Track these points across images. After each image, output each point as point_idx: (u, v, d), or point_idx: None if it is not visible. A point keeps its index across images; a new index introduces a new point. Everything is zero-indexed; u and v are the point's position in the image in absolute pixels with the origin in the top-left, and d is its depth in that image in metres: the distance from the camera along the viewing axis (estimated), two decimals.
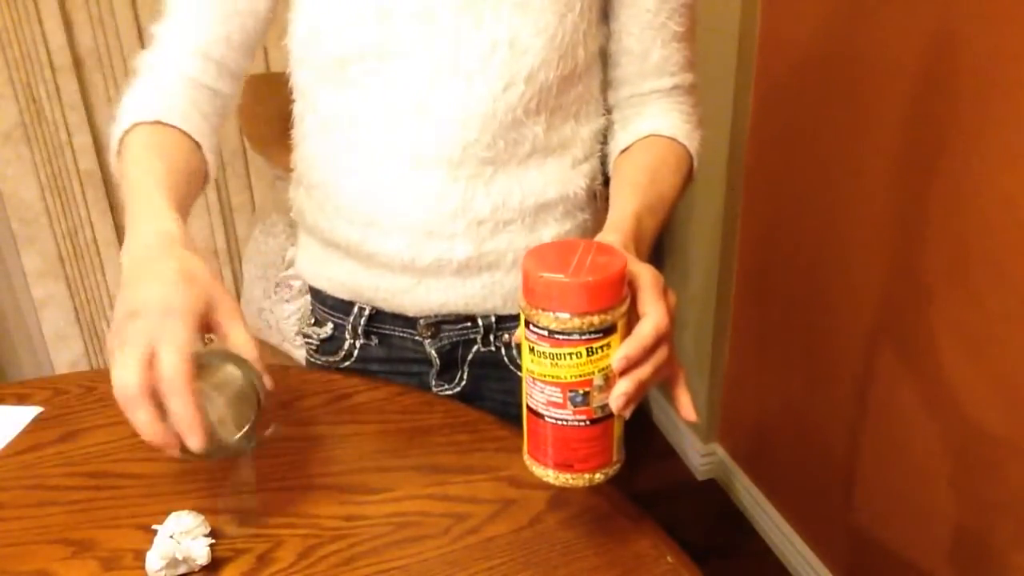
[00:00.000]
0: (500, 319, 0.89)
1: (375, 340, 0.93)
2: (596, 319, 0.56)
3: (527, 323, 0.58)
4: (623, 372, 0.58)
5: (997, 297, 1.20)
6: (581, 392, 0.58)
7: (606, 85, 0.86)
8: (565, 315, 0.55)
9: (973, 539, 1.31)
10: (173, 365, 0.57)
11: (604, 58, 0.84)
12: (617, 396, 0.58)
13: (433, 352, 0.92)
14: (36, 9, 1.87)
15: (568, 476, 0.60)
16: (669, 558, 0.66)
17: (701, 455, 2.12)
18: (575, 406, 0.58)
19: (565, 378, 0.57)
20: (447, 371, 0.94)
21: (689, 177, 0.84)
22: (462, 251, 0.83)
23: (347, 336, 0.94)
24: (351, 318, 0.93)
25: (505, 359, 0.92)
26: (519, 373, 0.92)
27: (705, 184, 1.92)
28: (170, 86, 0.81)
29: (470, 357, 0.92)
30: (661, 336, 0.58)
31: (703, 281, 1.98)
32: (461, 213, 0.81)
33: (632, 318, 0.59)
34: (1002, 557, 1.27)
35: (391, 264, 0.85)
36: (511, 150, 0.80)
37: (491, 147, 0.79)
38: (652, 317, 0.58)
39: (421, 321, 0.90)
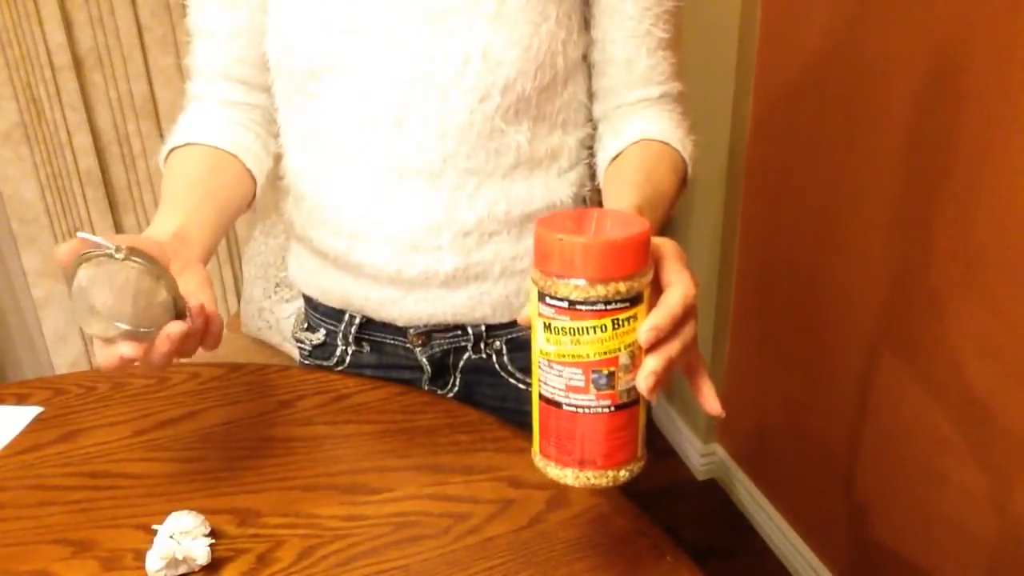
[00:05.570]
0: (490, 328, 0.89)
1: (367, 347, 0.93)
2: (623, 286, 0.50)
3: (542, 296, 0.52)
4: (651, 348, 0.52)
5: (998, 295, 1.20)
6: (605, 372, 0.51)
7: (592, 94, 0.84)
8: (588, 282, 0.50)
9: (973, 538, 1.31)
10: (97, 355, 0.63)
11: (589, 67, 0.83)
12: (646, 375, 0.51)
13: (424, 360, 0.91)
14: (36, 9, 1.87)
15: (590, 475, 0.54)
16: (669, 558, 0.65)
17: (701, 455, 2.12)
18: (598, 390, 0.52)
19: (587, 356, 0.51)
20: (439, 377, 0.94)
21: (684, 182, 0.81)
22: (449, 263, 0.82)
23: (339, 343, 0.94)
24: (342, 325, 0.93)
25: (496, 366, 0.91)
26: (511, 380, 0.92)
27: (705, 184, 1.92)
28: (203, 110, 0.87)
29: (461, 364, 0.92)
30: (689, 307, 0.53)
31: (703, 281, 1.98)
32: (445, 225, 0.81)
33: (655, 292, 0.54)
34: (1002, 557, 1.27)
35: (378, 276, 0.85)
36: (494, 160, 0.79)
37: (471, 157, 0.79)
38: (679, 286, 0.53)
39: (411, 330, 0.89)
